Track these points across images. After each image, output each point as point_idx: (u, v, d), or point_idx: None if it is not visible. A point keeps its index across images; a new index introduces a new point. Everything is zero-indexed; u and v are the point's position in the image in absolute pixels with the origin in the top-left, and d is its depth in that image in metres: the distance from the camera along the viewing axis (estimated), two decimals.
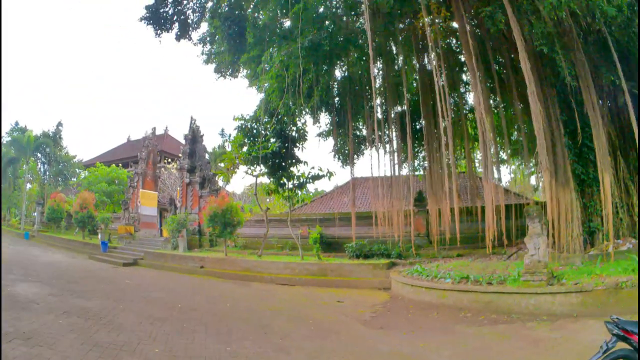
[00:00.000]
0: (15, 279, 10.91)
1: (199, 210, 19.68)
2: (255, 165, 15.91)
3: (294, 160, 16.14)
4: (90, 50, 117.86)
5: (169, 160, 37.54)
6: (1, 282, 9.38)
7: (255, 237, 18.34)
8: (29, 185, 42.26)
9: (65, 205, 28.81)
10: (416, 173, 19.49)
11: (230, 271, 14.56)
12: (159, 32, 15.41)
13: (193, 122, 23.30)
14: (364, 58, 15.99)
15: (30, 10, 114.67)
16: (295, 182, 16.03)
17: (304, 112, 17.16)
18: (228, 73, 17.34)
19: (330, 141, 18.75)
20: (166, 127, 49.75)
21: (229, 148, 20.15)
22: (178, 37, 15.98)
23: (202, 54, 16.79)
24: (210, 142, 65.57)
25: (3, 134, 57.34)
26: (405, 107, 15.66)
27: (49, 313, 7.38)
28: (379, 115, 17.40)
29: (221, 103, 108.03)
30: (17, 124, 50.65)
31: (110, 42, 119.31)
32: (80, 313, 7.58)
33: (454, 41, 16.15)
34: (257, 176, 16.39)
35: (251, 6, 15.69)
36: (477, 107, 11.64)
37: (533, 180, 18.80)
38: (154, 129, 28.70)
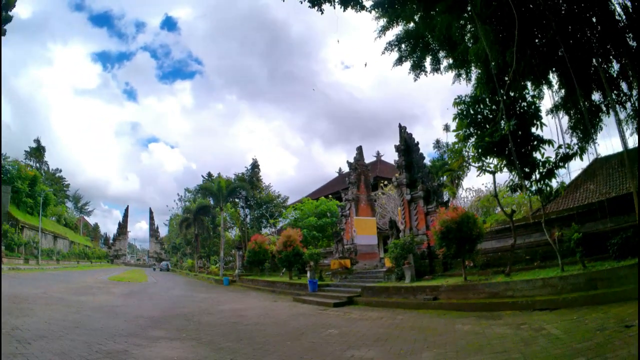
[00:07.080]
0: (158, 337, 8.49)
1: (427, 229, 16.56)
2: (490, 157, 12.27)
3: (535, 143, 12.02)
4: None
5: (385, 183, 34.50)
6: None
7: (496, 252, 14.40)
8: (233, 232, 45.37)
9: (270, 246, 28.73)
10: None
11: (472, 300, 11.25)
12: (315, 1, 11.80)
13: (403, 130, 20.27)
14: None
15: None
16: (542, 169, 11.89)
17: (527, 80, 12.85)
18: (427, 65, 14.28)
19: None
20: (377, 152, 47.01)
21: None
22: (344, 2, 12.79)
23: (390, 45, 14.14)
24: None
25: (194, 186, 61.96)
26: None
27: None
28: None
29: (428, 115, 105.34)
30: (209, 175, 53.59)
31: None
32: None
33: None
34: (494, 171, 12.62)
35: None
36: None
37: None
38: (360, 147, 26.19)
